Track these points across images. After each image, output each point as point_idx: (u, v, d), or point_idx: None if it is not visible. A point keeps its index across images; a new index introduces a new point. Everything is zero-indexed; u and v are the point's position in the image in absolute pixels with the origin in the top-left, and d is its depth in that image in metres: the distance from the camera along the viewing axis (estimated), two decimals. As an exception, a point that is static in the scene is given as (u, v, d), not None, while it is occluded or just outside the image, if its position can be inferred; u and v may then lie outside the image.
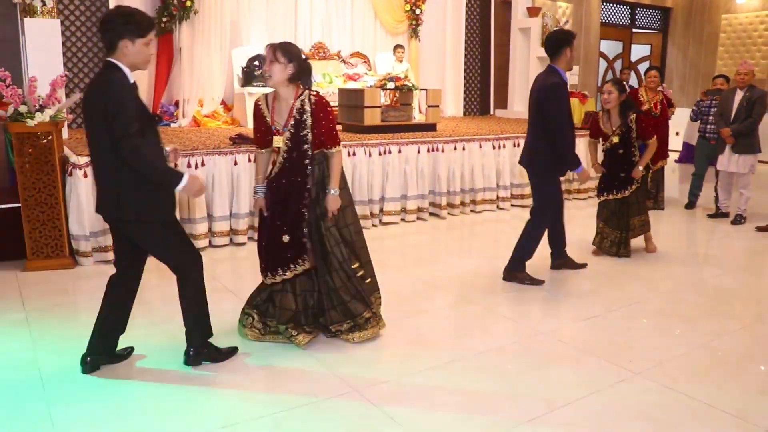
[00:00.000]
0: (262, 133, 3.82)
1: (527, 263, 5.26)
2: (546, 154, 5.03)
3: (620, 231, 5.94)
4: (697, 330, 4.31)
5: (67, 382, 3.43)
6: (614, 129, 5.78)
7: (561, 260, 5.59)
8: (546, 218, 5.26)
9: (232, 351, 3.77)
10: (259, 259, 3.94)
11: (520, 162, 5.42)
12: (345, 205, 3.95)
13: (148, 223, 3.36)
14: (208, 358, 3.65)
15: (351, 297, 3.95)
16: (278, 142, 3.73)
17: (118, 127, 3.05)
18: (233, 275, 5.57)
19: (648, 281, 5.34)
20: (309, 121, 3.71)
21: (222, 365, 3.66)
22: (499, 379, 3.57)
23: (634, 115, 5.79)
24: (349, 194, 4.09)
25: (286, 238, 3.79)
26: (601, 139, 5.94)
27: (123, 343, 3.72)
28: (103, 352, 3.61)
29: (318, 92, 3.84)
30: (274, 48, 3.66)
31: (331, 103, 8.89)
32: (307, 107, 3.72)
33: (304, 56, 3.81)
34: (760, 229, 7.13)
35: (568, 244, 5.64)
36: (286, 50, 3.67)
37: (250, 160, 6.17)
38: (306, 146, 3.72)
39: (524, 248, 5.23)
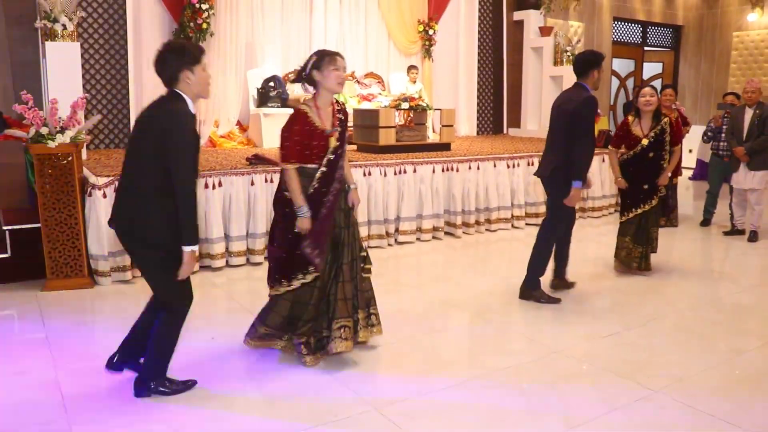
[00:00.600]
0: (310, 139, 3.80)
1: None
2: (560, 163, 5.10)
3: (643, 245, 5.94)
4: (716, 347, 4.29)
5: (88, 402, 3.46)
6: (646, 132, 5.79)
7: (557, 279, 5.53)
8: (556, 232, 5.29)
9: (189, 384, 3.63)
10: (278, 270, 3.92)
11: (538, 173, 5.45)
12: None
13: (157, 247, 3.36)
14: (164, 391, 3.54)
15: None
16: (333, 142, 3.87)
17: (181, 171, 3.19)
18: (251, 295, 5.59)
19: (665, 298, 5.33)
20: (344, 122, 3.97)
21: (243, 384, 3.68)
22: (517, 397, 3.57)
23: (667, 118, 5.84)
24: None
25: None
26: (624, 147, 5.92)
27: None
28: (131, 355, 3.68)
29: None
30: (340, 56, 3.86)
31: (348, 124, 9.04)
32: (343, 108, 4.01)
33: None
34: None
35: (584, 262, 5.63)
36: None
37: (266, 181, 6.22)
38: (345, 146, 3.98)
39: (535, 265, 5.24)
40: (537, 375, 3.85)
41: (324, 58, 3.80)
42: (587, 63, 5.07)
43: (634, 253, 5.95)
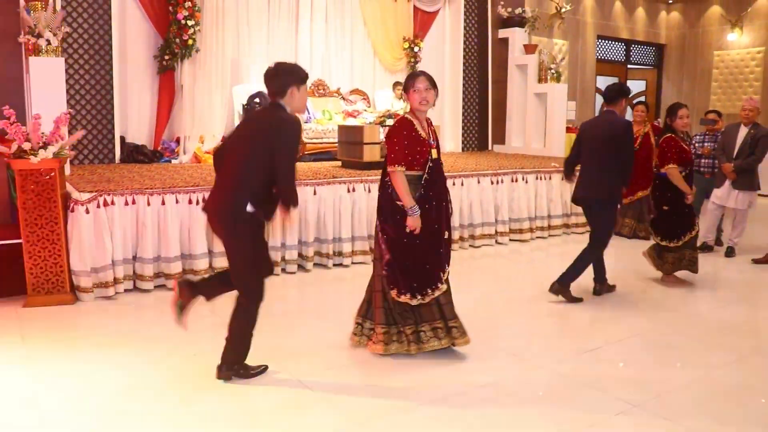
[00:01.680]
0: (413, 147, 4.16)
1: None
2: (615, 185, 5.53)
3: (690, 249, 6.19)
4: (696, 362, 4.33)
5: (67, 420, 3.44)
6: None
7: (599, 285, 5.85)
8: (605, 244, 5.67)
9: (262, 369, 4.01)
10: (397, 282, 4.18)
11: (579, 197, 5.78)
12: None
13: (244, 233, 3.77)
14: (239, 375, 3.92)
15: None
16: (434, 153, 4.23)
17: (286, 169, 3.66)
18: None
19: (644, 313, 5.37)
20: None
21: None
22: (499, 413, 3.58)
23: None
24: None
25: (446, 235, 4.31)
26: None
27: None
28: (234, 362, 3.91)
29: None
30: (427, 77, 4.25)
31: (331, 140, 9.05)
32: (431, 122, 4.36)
33: None
34: (756, 261, 7.17)
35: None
36: (432, 79, 4.28)
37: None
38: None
39: (576, 269, 5.62)
40: (519, 391, 3.87)
41: (408, 82, 4.31)
42: (619, 92, 5.62)
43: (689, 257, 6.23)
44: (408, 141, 4.13)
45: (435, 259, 4.22)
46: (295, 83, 3.81)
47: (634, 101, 8.61)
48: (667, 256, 6.20)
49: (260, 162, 3.67)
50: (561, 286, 5.60)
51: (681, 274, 6.30)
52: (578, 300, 5.60)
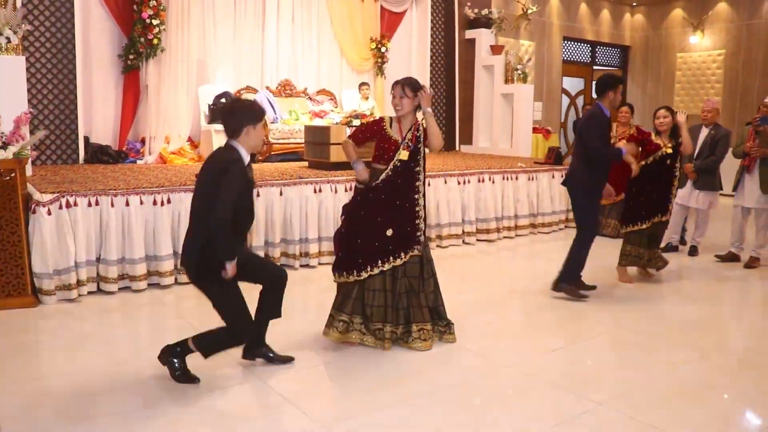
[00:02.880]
0: (377, 140, 4.54)
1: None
2: (582, 175, 5.67)
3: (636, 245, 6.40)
4: (659, 360, 4.39)
5: (30, 424, 3.37)
6: (666, 143, 6.23)
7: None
8: (586, 237, 5.71)
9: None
10: (344, 257, 4.44)
11: (563, 183, 5.96)
12: None
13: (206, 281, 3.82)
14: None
15: (440, 303, 4.69)
16: (404, 155, 4.36)
17: (220, 204, 3.59)
18: (199, 312, 5.53)
19: (609, 312, 5.43)
20: (423, 138, 4.47)
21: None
22: (464, 412, 3.59)
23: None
24: None
25: (389, 232, 4.37)
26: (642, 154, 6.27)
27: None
28: (257, 343, 4.08)
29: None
30: (402, 85, 4.44)
31: (297, 140, 9.00)
32: (421, 129, 4.46)
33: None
34: (720, 258, 7.30)
35: (533, 278, 5.72)
36: (412, 85, 4.45)
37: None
38: (419, 158, 4.44)
39: (570, 264, 5.75)
40: (485, 390, 3.89)
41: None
42: (604, 85, 5.65)
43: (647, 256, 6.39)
44: (369, 132, 4.61)
45: (365, 248, 4.38)
46: (251, 122, 3.78)
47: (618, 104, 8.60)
48: (623, 245, 6.41)
49: (213, 202, 3.65)
50: (567, 284, 5.71)
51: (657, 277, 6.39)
52: (591, 288, 5.82)
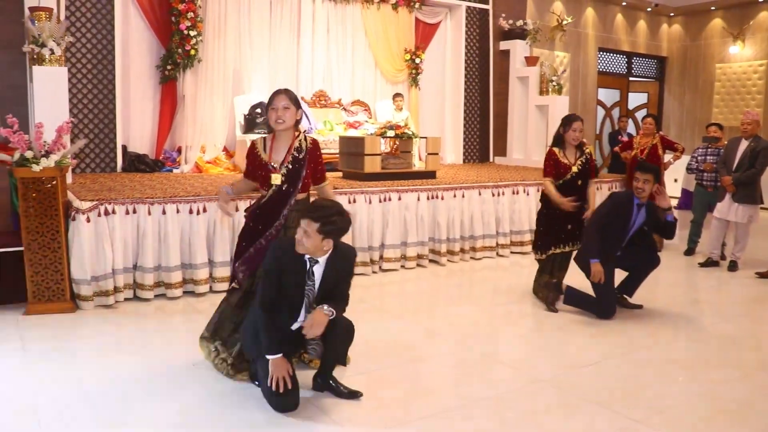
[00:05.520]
0: (255, 168, 4.16)
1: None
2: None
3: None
4: (698, 378, 4.31)
5: (67, 427, 3.42)
6: (573, 161, 5.82)
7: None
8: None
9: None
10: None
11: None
12: None
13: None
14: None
15: None
16: (276, 179, 4.04)
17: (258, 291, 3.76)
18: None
19: (646, 328, 5.34)
20: (306, 160, 4.10)
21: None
22: (498, 427, 3.56)
23: (588, 150, 5.96)
24: None
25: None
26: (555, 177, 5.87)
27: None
28: (323, 376, 3.94)
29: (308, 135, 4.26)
30: (288, 95, 4.06)
31: (332, 151, 9.06)
32: (304, 146, 4.13)
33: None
34: (760, 275, 7.15)
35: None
36: (294, 98, 4.09)
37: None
38: (299, 182, 4.09)
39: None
40: (518, 405, 3.85)
41: (269, 100, 4.10)
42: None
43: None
44: (249, 161, 4.21)
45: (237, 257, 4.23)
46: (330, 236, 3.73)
47: (643, 115, 8.61)
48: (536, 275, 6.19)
49: None
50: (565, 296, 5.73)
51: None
52: (637, 307, 5.83)
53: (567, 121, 5.83)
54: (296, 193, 4.09)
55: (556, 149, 5.86)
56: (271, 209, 4.08)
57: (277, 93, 4.06)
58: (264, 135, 4.28)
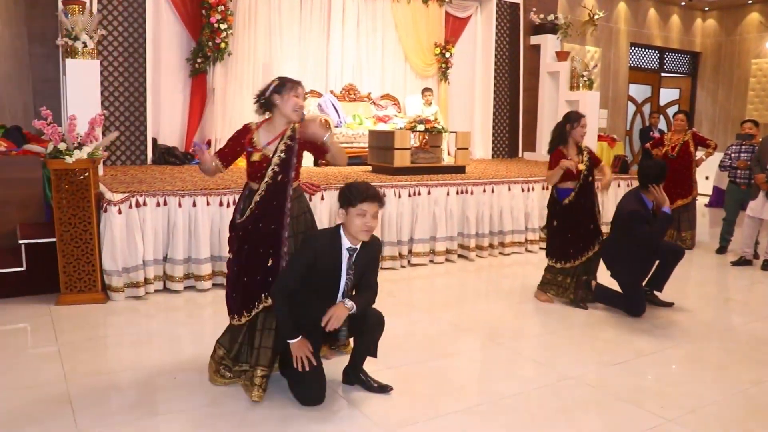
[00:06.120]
0: (234, 153, 3.92)
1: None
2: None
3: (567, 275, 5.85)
4: (731, 377, 4.23)
5: (99, 417, 3.45)
6: (578, 159, 5.65)
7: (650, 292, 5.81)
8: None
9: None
10: (232, 299, 3.90)
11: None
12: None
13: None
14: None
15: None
16: (255, 156, 3.83)
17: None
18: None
19: (677, 326, 5.27)
20: (296, 146, 3.84)
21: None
22: (527, 424, 3.53)
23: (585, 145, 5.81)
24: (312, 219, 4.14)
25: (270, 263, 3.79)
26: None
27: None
28: (353, 369, 3.92)
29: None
30: (302, 85, 3.93)
31: (361, 145, 9.05)
32: (294, 133, 3.86)
33: None
34: (793, 274, 7.03)
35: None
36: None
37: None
38: (291, 171, 3.82)
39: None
40: (547, 401, 3.81)
41: (286, 85, 3.85)
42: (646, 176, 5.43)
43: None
44: (237, 146, 3.90)
45: (250, 283, 3.80)
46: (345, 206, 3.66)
47: (674, 111, 8.53)
48: (546, 273, 5.96)
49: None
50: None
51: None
52: (668, 305, 5.77)
53: (575, 118, 5.61)
54: (291, 183, 3.83)
55: (562, 148, 5.68)
56: (270, 204, 3.79)
57: (296, 82, 3.89)
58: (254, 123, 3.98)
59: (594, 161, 5.76)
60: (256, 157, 3.81)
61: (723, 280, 7.20)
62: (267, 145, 3.84)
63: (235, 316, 3.85)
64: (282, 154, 3.80)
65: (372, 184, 3.74)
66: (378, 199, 3.63)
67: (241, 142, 3.89)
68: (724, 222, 8.24)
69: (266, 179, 3.77)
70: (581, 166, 5.61)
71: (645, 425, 3.52)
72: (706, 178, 12.32)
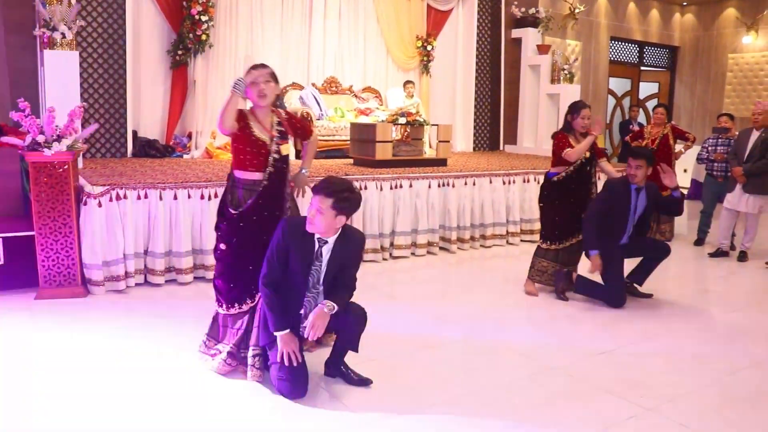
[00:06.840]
0: (252, 149, 3.86)
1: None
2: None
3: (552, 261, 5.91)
4: (708, 367, 4.29)
5: (77, 412, 3.43)
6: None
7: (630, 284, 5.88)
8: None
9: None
10: (232, 289, 3.98)
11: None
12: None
13: None
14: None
15: None
16: (285, 149, 3.95)
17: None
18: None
19: (657, 317, 5.33)
20: (286, 133, 3.99)
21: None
22: (509, 414, 3.56)
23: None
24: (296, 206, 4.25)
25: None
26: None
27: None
28: (335, 362, 3.91)
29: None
30: (268, 69, 3.89)
31: (343, 138, 9.03)
32: (276, 119, 3.98)
33: None
34: (772, 264, 7.14)
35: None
36: (273, 73, 3.92)
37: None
38: (288, 157, 3.97)
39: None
40: (530, 392, 3.85)
41: (248, 71, 3.86)
42: None
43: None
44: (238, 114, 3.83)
45: (256, 272, 3.78)
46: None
47: (654, 105, 8.60)
48: (534, 259, 5.99)
49: None
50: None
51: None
52: (647, 296, 5.84)
53: (575, 108, 5.73)
54: (288, 168, 3.95)
55: (568, 135, 5.77)
56: (272, 191, 3.89)
57: (255, 67, 3.85)
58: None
59: (596, 153, 5.84)
60: (283, 149, 3.92)
61: (701, 271, 7.29)
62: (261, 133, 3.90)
63: (236, 305, 3.94)
64: (278, 141, 3.91)
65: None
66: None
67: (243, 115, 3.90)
68: (701, 214, 8.34)
69: (269, 167, 3.85)
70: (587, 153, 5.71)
71: (625, 414, 3.56)
72: (684, 171, 12.44)
